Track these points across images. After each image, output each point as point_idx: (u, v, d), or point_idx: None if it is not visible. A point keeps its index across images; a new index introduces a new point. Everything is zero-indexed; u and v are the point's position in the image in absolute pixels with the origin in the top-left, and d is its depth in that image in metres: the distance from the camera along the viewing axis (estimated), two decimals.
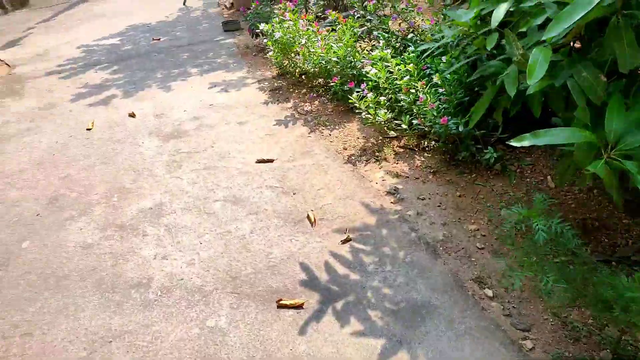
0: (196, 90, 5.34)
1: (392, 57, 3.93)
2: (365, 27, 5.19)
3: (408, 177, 3.41)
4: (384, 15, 5.33)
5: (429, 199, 3.16)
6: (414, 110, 3.57)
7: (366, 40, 5.31)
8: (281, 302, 2.39)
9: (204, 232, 2.98)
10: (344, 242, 2.82)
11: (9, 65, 6.96)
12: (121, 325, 2.32)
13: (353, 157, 3.72)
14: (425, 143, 3.75)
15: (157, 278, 2.62)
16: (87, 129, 4.57)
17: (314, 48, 4.62)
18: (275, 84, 5.32)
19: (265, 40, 5.45)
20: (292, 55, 5.12)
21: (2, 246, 2.96)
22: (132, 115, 4.82)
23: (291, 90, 5.13)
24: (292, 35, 4.91)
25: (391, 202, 3.15)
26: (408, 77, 3.66)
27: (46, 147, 4.28)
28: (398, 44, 4.59)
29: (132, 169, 3.78)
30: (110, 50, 7.29)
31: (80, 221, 3.16)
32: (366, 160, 3.67)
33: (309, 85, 5.15)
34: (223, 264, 2.70)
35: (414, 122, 3.56)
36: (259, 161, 3.75)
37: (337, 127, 4.23)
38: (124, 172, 3.74)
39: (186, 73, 5.96)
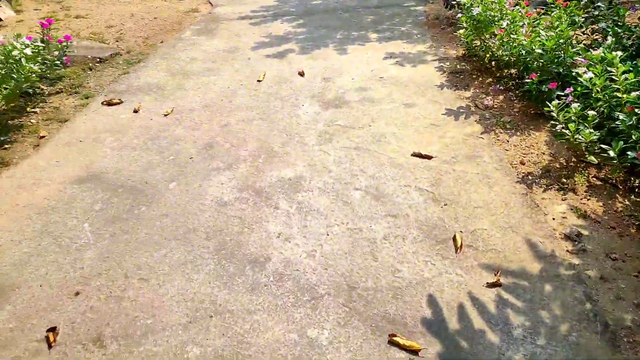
0: (370, 59, 5.00)
1: (621, 61, 3.01)
2: (590, 16, 4.15)
3: (600, 222, 2.63)
4: (620, 2, 4.19)
5: (624, 261, 2.37)
6: (633, 137, 2.69)
7: (586, 32, 4.27)
8: (395, 338, 2.01)
9: (334, 223, 2.70)
10: (491, 285, 2.27)
11: (211, 4, 7.51)
12: (226, 302, 2.21)
13: (530, 177, 3.02)
14: (637, 182, 2.85)
15: (274, 260, 2.45)
16: (258, 80, 4.62)
17: (516, 34, 3.84)
18: (458, 66, 4.67)
19: (459, 15, 4.78)
20: (487, 36, 4.38)
21: (154, 183, 3.11)
22: (302, 74, 4.71)
23: (474, 76, 4.44)
24: (492, 14, 4.17)
25: (567, 251, 2.45)
26: (639, 92, 2.76)
27: (218, 91, 4.44)
28: (632, 45, 3.54)
29: (286, 131, 3.67)
30: (301, 2, 7.34)
31: (224, 175, 3.16)
32: (546, 185, 2.94)
33: (497, 74, 4.39)
34: (344, 267, 2.40)
35: (630, 153, 2.69)
36: (415, 155, 3.29)
37: (518, 133, 3.51)
38: (277, 133, 3.65)
39: (365, 38, 5.64)
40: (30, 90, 4.09)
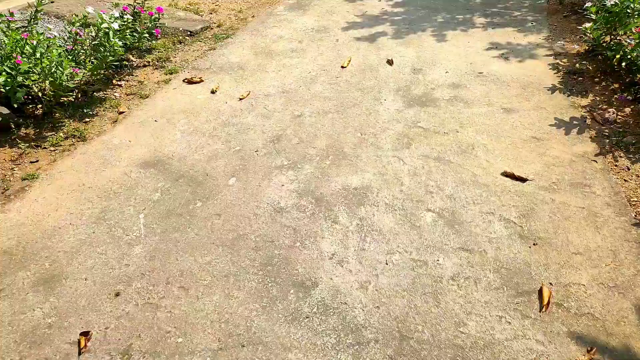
0: (471, 48, 4.41)
1: None
2: None
3: None
4: None
5: None
6: None
7: None
8: None
9: (396, 250, 2.36)
10: None
11: None
12: (262, 331, 2.01)
13: None
14: None
15: (322, 287, 2.19)
16: (342, 67, 4.28)
17: None
18: (577, 66, 3.94)
19: (588, 3, 4.00)
20: (620, 33, 3.61)
21: (215, 175, 2.98)
22: (390, 62, 4.29)
23: (596, 80, 3.72)
24: (634, 6, 3.39)
25: None
26: None
27: (298, 75, 4.18)
28: None
29: (361, 129, 3.34)
30: None
31: (286, 175, 2.93)
32: None
33: (627, 80, 3.63)
34: (399, 308, 2.08)
35: None
36: (506, 174, 2.80)
37: None
38: (350, 131, 3.33)
39: (470, 22, 5.01)
40: (117, 63, 4.14)
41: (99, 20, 3.65)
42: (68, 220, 2.64)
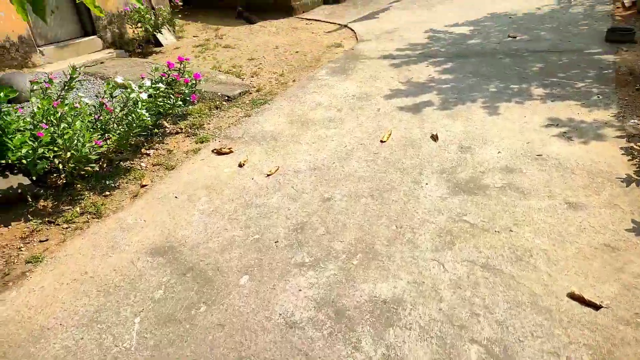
0: (527, 124, 3.95)
1: None
2: None
3: None
4: None
5: None
6: None
7: None
8: None
9: None
10: None
11: (356, 39, 7.07)
12: None
13: None
14: None
15: None
16: (381, 141, 3.94)
17: None
18: None
19: None
20: None
21: (226, 271, 2.65)
22: (435, 137, 3.90)
23: None
24: None
25: None
26: None
27: (333, 149, 3.87)
28: None
29: (396, 221, 2.92)
30: (455, 42, 6.46)
31: (305, 277, 2.55)
32: None
33: None
34: None
35: None
36: (574, 296, 2.27)
37: None
38: (384, 222, 2.92)
39: (526, 93, 4.56)
40: (145, 133, 4.01)
41: (129, 89, 3.55)
42: (59, 320, 2.37)
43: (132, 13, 6.62)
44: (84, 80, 5.48)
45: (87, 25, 6.49)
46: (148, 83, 3.78)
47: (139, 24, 6.72)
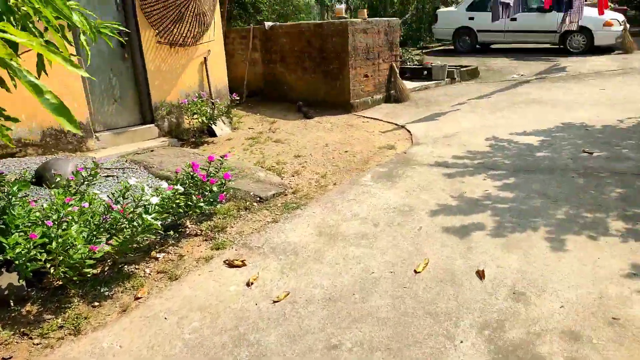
0: (601, 269, 3.18)
1: None
2: None
3: None
4: None
5: None
6: None
7: None
8: None
9: None
10: None
11: (411, 142, 6.69)
12: None
13: None
14: None
15: None
16: (415, 271, 3.34)
17: None
18: None
19: None
20: None
21: None
22: (481, 274, 3.23)
23: None
24: None
25: None
26: None
27: (357, 274, 3.32)
28: None
29: None
30: (520, 153, 5.83)
31: None
32: None
33: None
34: None
35: None
36: None
37: None
38: None
39: (601, 226, 3.79)
40: (154, 237, 3.73)
41: (140, 192, 3.33)
42: None
43: (189, 105, 6.81)
44: (128, 168, 5.50)
45: (146, 115, 6.74)
46: (164, 185, 3.56)
47: (195, 115, 6.87)
